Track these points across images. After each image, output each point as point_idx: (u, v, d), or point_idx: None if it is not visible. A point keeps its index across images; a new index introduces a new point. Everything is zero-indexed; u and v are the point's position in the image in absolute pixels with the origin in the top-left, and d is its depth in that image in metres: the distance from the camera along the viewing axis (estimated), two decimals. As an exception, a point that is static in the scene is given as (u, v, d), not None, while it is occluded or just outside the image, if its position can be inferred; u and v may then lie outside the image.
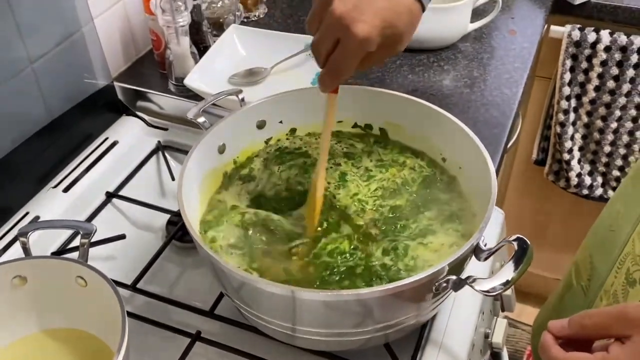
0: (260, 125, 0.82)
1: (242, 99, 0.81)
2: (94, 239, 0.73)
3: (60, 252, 0.81)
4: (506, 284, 0.58)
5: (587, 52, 1.27)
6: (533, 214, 1.62)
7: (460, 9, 1.07)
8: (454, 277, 0.60)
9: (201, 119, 0.77)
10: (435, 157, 0.79)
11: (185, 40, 0.98)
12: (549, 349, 0.54)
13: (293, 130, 0.84)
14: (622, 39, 1.24)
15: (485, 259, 0.63)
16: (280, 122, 0.83)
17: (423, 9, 0.67)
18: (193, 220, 0.68)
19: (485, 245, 0.63)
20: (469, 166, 0.74)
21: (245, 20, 1.20)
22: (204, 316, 0.74)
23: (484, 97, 0.98)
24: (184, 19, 0.95)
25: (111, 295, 0.64)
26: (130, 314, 0.74)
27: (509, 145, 0.95)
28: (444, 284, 0.60)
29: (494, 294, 0.58)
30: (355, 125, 0.84)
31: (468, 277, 0.58)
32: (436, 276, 0.59)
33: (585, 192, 1.45)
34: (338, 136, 0.84)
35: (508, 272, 0.58)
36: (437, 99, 0.98)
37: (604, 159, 1.40)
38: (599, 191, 1.45)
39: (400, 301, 0.61)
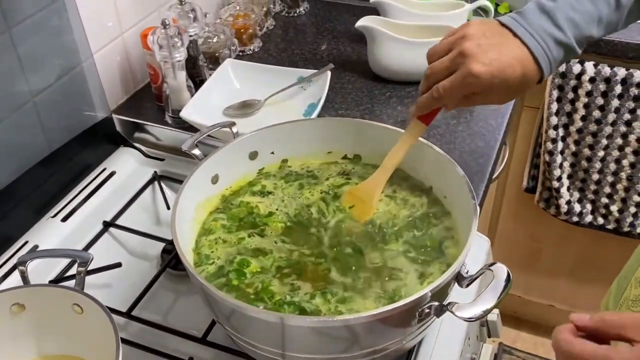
0: (253, 156, 0.84)
1: (236, 131, 0.84)
2: (90, 267, 0.75)
3: (57, 280, 0.83)
4: (486, 311, 0.60)
5: (573, 83, 1.31)
6: (525, 241, 1.64)
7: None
8: (436, 303, 0.62)
9: (196, 151, 0.80)
10: (422, 186, 0.82)
11: (182, 75, 1.02)
12: (561, 332, 0.53)
13: (285, 161, 0.87)
14: (606, 70, 1.28)
15: (467, 285, 0.65)
16: (272, 153, 0.86)
17: (540, 80, 0.73)
18: (186, 250, 0.71)
19: (467, 273, 0.65)
20: (453, 195, 0.77)
21: (240, 54, 1.24)
22: (197, 343, 0.76)
23: (470, 127, 1.02)
24: (181, 55, 0.99)
25: (106, 322, 0.66)
26: (125, 341, 0.76)
27: (495, 175, 0.98)
28: (427, 310, 0.62)
29: (474, 320, 0.60)
30: (345, 157, 0.87)
31: (450, 304, 0.61)
32: (419, 302, 0.61)
33: (575, 219, 1.47)
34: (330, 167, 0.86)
35: (487, 299, 0.60)
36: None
37: (592, 187, 1.43)
38: (588, 218, 1.47)
39: (386, 327, 0.63)
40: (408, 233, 0.75)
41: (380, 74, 1.16)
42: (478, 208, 0.69)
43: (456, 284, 0.66)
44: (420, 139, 0.80)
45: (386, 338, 0.65)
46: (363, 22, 1.12)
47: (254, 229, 0.78)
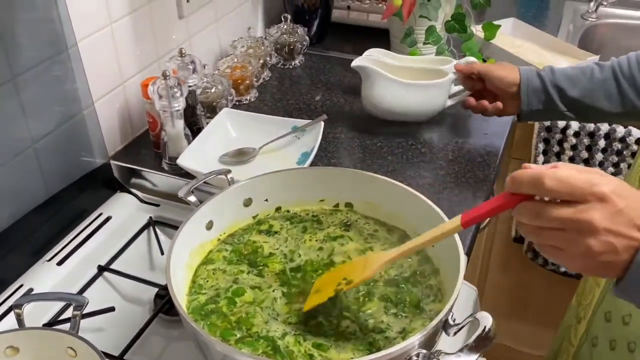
0: (247, 203, 0.87)
1: (231, 178, 0.87)
2: (84, 311, 0.77)
3: (52, 323, 0.84)
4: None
5: (558, 136, 1.35)
6: (514, 289, 1.66)
7: (440, 85, 1.16)
8: (423, 351, 0.63)
9: (191, 198, 0.82)
10: (411, 234, 0.84)
11: (180, 123, 1.05)
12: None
13: (278, 209, 0.89)
14: (590, 125, 1.32)
15: (455, 333, 0.67)
16: (266, 200, 0.88)
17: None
18: (180, 296, 0.72)
19: (454, 321, 0.67)
20: (441, 245, 0.79)
21: (237, 103, 1.28)
22: (187, 389, 0.76)
23: (456, 178, 1.05)
24: (179, 104, 1.02)
25: (99, 365, 0.67)
26: (115, 387, 0.76)
27: (482, 226, 1.00)
28: (415, 358, 0.63)
29: (458, 365, 0.61)
30: (336, 205, 0.90)
31: (437, 352, 0.62)
32: (406, 350, 0.63)
33: (562, 269, 1.50)
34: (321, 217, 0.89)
35: (472, 347, 0.62)
36: (414, 180, 1.04)
37: (579, 237, 1.45)
38: (576, 268, 1.49)
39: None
40: (389, 289, 0.77)
41: (373, 112, 1.19)
42: (465, 257, 0.72)
43: (444, 332, 0.67)
44: (410, 189, 0.83)
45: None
46: (358, 62, 1.15)
47: (253, 267, 0.80)
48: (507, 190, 0.57)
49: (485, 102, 1.05)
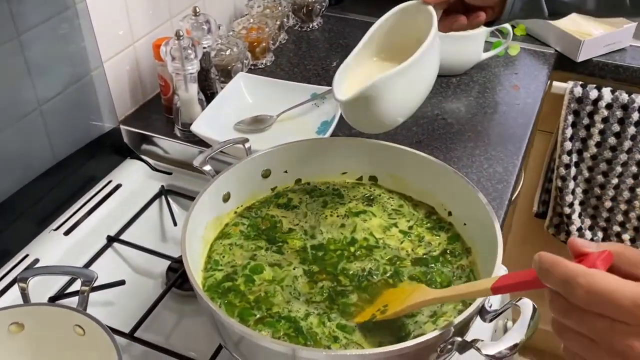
0: (266, 174, 0.82)
1: (249, 148, 0.81)
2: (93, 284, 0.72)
3: (58, 297, 0.80)
4: (513, 348, 0.57)
5: (589, 108, 1.29)
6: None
7: (474, 38, 1.13)
8: (459, 339, 0.59)
9: (207, 167, 0.77)
10: (442, 220, 0.79)
11: (194, 87, 0.99)
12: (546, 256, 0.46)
13: (298, 181, 0.84)
14: (624, 97, 1.25)
15: (491, 320, 0.62)
16: (285, 171, 0.83)
17: None
18: (195, 271, 0.68)
19: (490, 307, 0.63)
20: (474, 222, 0.74)
21: (252, 67, 1.21)
22: (202, 368, 0.72)
23: (487, 151, 0.99)
24: (193, 67, 0.96)
25: (109, 346, 0.63)
26: (126, 364, 0.72)
27: (512, 197, 0.95)
28: (449, 346, 0.59)
29: (500, 358, 0.57)
30: (359, 179, 0.85)
31: (474, 340, 0.58)
32: (441, 338, 0.58)
33: (586, 246, 1.44)
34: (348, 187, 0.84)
35: (515, 335, 0.57)
36: (442, 152, 0.98)
37: (604, 214, 1.40)
38: (599, 246, 1.44)
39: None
40: (417, 269, 0.72)
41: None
42: (501, 236, 0.67)
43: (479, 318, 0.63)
44: (441, 162, 0.78)
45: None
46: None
47: (272, 244, 0.76)
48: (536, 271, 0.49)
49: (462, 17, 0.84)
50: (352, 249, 0.75)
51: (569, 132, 1.32)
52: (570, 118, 1.31)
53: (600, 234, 1.43)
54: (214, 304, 0.61)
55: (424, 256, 0.74)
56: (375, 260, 0.73)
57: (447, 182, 0.77)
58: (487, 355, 0.56)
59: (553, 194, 1.42)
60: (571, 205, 1.40)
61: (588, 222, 1.43)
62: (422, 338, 0.57)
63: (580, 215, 1.42)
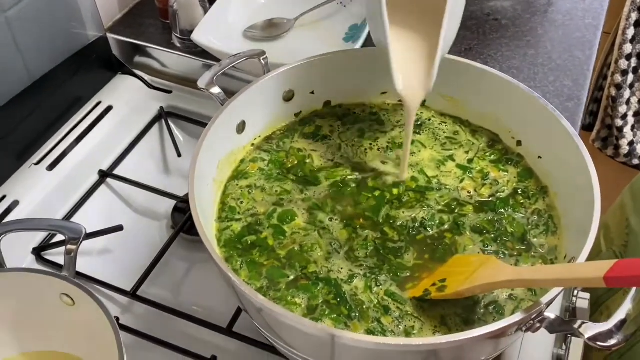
0: (288, 96, 0.66)
1: (266, 63, 0.65)
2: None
3: (42, 248, 0.67)
4: (621, 326, 0.44)
5: (658, 4, 1.10)
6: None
7: None
8: (552, 316, 0.46)
9: (215, 89, 0.61)
10: (509, 150, 0.64)
11: (193, -15, 0.81)
12: None
13: (327, 104, 0.69)
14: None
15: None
16: (312, 92, 0.67)
17: None
18: (209, 227, 0.54)
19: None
20: (552, 157, 0.60)
21: (262, -41, 1.01)
22: (220, 334, 0.60)
23: (552, 60, 0.82)
24: (192, -42, 0.78)
25: (103, 318, 0.50)
26: (128, 329, 0.61)
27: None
28: (538, 325, 0.46)
29: (605, 343, 0.44)
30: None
31: (572, 320, 0.44)
32: (530, 316, 0.45)
33: (635, 161, 1.31)
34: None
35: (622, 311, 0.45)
36: (497, 62, 0.81)
37: (662, 127, 1.25)
38: (651, 160, 1.30)
39: (478, 344, 0.47)
40: (482, 216, 0.58)
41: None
42: (598, 188, 0.52)
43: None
44: (506, 77, 0.62)
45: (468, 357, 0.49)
46: None
47: (302, 185, 0.62)
48: None
49: None
50: (396, 192, 0.61)
51: (631, 32, 1.14)
52: (634, 16, 1.12)
53: (653, 149, 1.28)
54: (231, 271, 0.48)
55: (490, 199, 0.60)
56: (429, 207, 0.58)
57: (516, 102, 0.62)
58: (590, 340, 0.44)
59: (604, 103, 1.26)
60: (624, 116, 1.24)
61: (641, 135, 1.28)
62: (509, 320, 0.44)
63: (633, 128, 1.27)
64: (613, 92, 1.22)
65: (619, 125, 1.26)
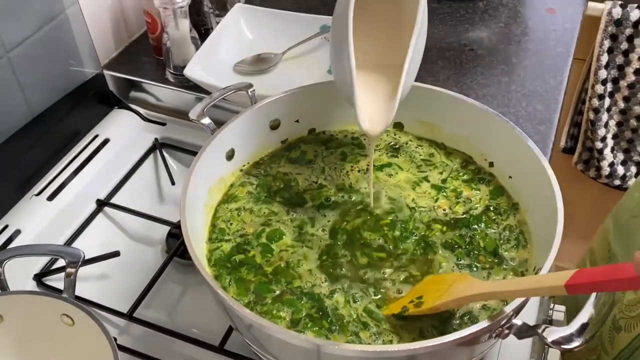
0: (274, 125, 0.70)
1: (253, 95, 0.69)
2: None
3: (44, 274, 0.70)
4: (582, 330, 0.47)
5: (629, 31, 1.15)
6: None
7: None
8: (519, 323, 0.49)
9: (205, 120, 0.65)
10: (482, 169, 0.68)
11: (185, 24, 0.86)
12: None
13: (312, 131, 0.73)
14: (668, 17, 1.12)
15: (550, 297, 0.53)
16: (297, 121, 0.71)
17: None
18: (199, 250, 0.58)
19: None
20: (522, 177, 0.64)
21: (250, -3, 1.07)
22: (213, 352, 0.63)
23: (525, 87, 0.87)
24: (183, 0, 0.83)
25: (102, 337, 0.53)
26: (125, 349, 0.64)
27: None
28: (506, 331, 0.49)
29: (567, 345, 0.47)
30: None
31: (538, 325, 0.48)
32: (498, 323, 0.48)
33: (617, 182, 1.34)
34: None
35: (584, 314, 0.48)
36: (473, 90, 0.86)
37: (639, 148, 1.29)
38: (632, 182, 1.34)
39: (451, 350, 0.50)
40: (454, 232, 0.62)
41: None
42: (560, 197, 0.56)
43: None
44: (478, 104, 0.66)
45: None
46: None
47: (288, 207, 0.65)
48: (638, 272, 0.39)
49: None
50: (374, 212, 0.64)
51: (605, 59, 1.19)
52: (607, 43, 1.17)
53: (633, 169, 1.32)
54: (219, 287, 0.51)
55: (464, 215, 0.63)
56: (404, 227, 0.62)
57: (487, 127, 0.66)
58: (553, 343, 0.47)
59: (583, 127, 1.30)
60: (603, 139, 1.29)
61: (621, 156, 1.32)
62: (478, 326, 0.47)
63: (612, 150, 1.31)
64: (592, 115, 1.26)
65: (599, 148, 1.30)
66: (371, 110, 0.59)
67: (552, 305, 0.73)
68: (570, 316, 0.49)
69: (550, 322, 0.73)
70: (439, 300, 0.52)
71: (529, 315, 0.64)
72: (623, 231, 0.81)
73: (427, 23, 0.61)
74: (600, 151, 1.30)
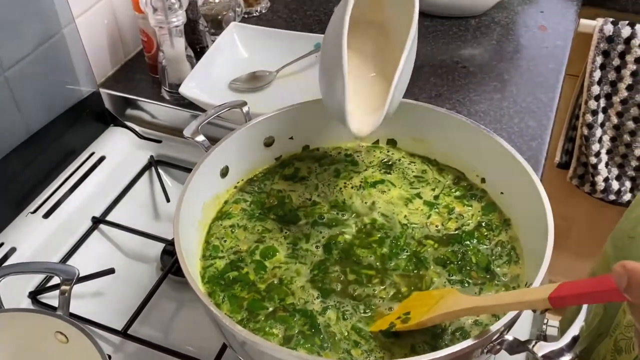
0: (268, 142, 0.71)
1: (247, 112, 0.70)
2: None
3: (38, 292, 0.71)
4: (573, 344, 0.48)
5: (620, 48, 1.16)
6: (555, 219, 1.52)
7: None
8: (510, 338, 0.49)
9: (200, 138, 0.66)
10: (470, 176, 0.69)
11: (180, 42, 0.87)
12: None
13: (306, 148, 0.73)
14: (659, 33, 1.13)
15: (542, 312, 0.53)
16: (291, 138, 0.72)
17: None
18: (192, 263, 0.58)
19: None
20: (514, 193, 0.64)
21: (246, 16, 1.08)
22: (206, 369, 0.63)
23: (517, 103, 0.87)
24: (179, 19, 0.84)
25: (96, 355, 0.53)
26: (120, 367, 0.64)
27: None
28: (497, 347, 0.50)
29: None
30: (375, 142, 0.74)
31: (529, 341, 0.48)
32: (489, 339, 0.49)
33: (612, 197, 1.35)
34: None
35: (574, 328, 0.48)
36: (465, 107, 0.87)
37: (634, 163, 1.30)
38: (627, 197, 1.34)
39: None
40: (446, 248, 0.62)
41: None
42: (549, 203, 0.57)
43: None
44: (470, 121, 0.67)
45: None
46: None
47: (281, 224, 0.66)
48: (617, 283, 0.39)
49: None
50: (365, 229, 0.65)
51: (597, 75, 1.20)
52: (599, 59, 1.19)
53: (628, 184, 1.33)
54: (212, 304, 0.51)
55: (457, 231, 0.64)
56: (396, 243, 0.63)
57: (478, 143, 0.67)
58: (544, 358, 0.47)
59: (577, 142, 1.31)
60: (597, 154, 1.29)
61: (615, 171, 1.33)
62: (470, 341, 0.47)
63: (607, 165, 1.32)
64: (585, 131, 1.27)
65: (594, 163, 1.31)
66: (361, 114, 0.60)
67: (545, 321, 0.73)
68: (564, 332, 0.49)
69: (545, 337, 0.73)
70: (426, 315, 0.53)
71: (521, 331, 0.65)
72: (622, 253, 0.81)
73: (416, 43, 0.62)
74: (595, 166, 1.31)
